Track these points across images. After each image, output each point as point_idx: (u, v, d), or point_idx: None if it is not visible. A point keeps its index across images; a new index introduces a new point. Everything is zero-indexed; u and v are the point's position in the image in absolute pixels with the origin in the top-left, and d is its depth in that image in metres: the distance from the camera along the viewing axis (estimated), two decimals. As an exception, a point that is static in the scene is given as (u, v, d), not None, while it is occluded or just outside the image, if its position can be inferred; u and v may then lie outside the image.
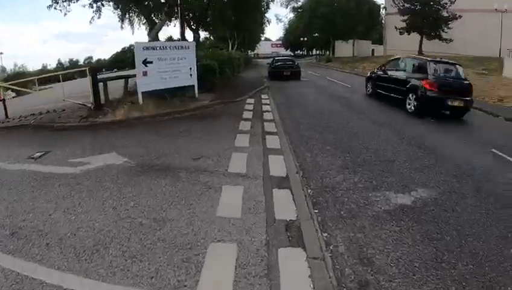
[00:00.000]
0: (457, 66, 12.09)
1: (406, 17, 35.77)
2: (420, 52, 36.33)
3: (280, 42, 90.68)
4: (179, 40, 18.79)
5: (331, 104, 13.63)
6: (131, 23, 24.78)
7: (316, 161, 6.80)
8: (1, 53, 51.56)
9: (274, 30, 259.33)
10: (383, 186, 5.62)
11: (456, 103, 10.96)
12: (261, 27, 48.41)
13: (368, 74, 16.95)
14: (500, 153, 7.70)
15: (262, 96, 15.38)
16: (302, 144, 7.85)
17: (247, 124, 9.55)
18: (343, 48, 54.31)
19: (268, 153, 7.02)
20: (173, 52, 11.48)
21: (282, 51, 78.92)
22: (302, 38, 67.41)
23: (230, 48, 37.29)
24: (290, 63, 24.69)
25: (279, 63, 24.27)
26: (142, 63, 10.76)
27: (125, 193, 5.13)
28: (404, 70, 12.97)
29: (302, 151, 7.32)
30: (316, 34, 58.29)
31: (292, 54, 73.08)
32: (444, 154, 7.43)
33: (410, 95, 11.78)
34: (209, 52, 17.32)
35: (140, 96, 10.93)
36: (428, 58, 12.54)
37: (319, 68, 37.19)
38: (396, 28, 36.84)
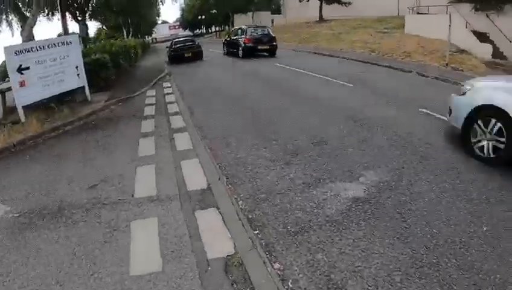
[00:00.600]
0: (266, 28, 22.48)
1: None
2: (321, 17, 37.26)
3: (178, 24, 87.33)
4: (61, 35, 16.38)
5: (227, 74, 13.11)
6: (9, 24, 21.54)
7: (237, 156, 6.01)
8: None
9: (171, 12, 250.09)
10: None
11: (264, 47, 20.61)
12: (155, 9, 45.92)
13: (223, 41, 26.53)
14: (429, 112, 7.80)
15: (165, 84, 14.18)
16: (218, 137, 7.02)
17: (150, 123, 8.56)
18: (242, 21, 52.80)
19: (180, 157, 6.14)
20: (53, 51, 9.77)
21: (181, 32, 75.82)
22: (199, 17, 65.70)
23: (125, 36, 34.83)
24: (190, 43, 23.32)
25: (178, 45, 22.73)
26: (17, 71, 8.96)
27: (6, 265, 3.55)
28: (237, 35, 22.49)
29: (219, 147, 6.48)
30: (214, 11, 57.26)
31: (192, 34, 70.83)
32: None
33: (240, 48, 21.18)
34: (100, 44, 15.56)
35: (21, 112, 9.15)
36: (247, 25, 22.66)
37: (219, 45, 36.52)
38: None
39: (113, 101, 11.10)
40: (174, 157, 6.22)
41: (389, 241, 3.51)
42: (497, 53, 17.02)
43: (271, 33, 21.61)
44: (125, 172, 5.70)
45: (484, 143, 5.29)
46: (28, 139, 8.25)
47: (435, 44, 17.56)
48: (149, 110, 9.88)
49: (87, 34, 16.63)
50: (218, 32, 61.86)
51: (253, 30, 21.50)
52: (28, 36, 12.73)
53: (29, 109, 9.40)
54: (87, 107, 10.41)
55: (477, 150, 5.39)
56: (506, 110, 4.89)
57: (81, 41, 15.72)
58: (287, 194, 4.60)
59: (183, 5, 72.66)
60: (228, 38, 24.90)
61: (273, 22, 54.99)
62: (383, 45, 19.84)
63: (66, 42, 10.30)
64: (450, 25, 14.17)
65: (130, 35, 37.07)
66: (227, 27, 60.48)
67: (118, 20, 35.02)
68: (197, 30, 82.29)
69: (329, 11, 36.74)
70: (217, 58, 23.11)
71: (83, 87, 10.86)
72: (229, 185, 4.97)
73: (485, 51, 16.37)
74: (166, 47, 25.05)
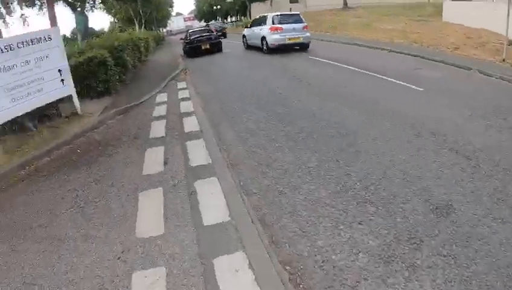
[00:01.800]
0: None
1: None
2: (345, 4, 33.90)
3: (192, 15, 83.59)
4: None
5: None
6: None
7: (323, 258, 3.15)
8: None
9: (185, 4, 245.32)
10: None
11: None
12: (169, 1, 42.91)
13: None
14: None
15: (179, 85, 11.04)
16: (277, 204, 4.02)
17: (158, 155, 5.61)
18: (260, 10, 49.13)
19: (213, 250, 3.24)
20: (26, 51, 6.84)
21: (196, 24, 72.46)
22: (215, 7, 62.51)
23: (137, 28, 31.35)
24: (207, 34, 19.98)
25: (194, 36, 19.28)
26: None
27: None
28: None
29: (285, 231, 3.49)
30: (230, 0, 54.11)
31: (207, 25, 67.78)
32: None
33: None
34: (99, 39, 12.65)
35: None
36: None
37: (239, 36, 33.28)
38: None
39: (110, 113, 8.13)
40: (200, 248, 3.30)
41: None
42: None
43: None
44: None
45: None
46: None
47: (483, 35, 14.74)
48: (157, 129, 6.94)
49: (86, 26, 13.64)
50: (234, 23, 58.30)
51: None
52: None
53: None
54: (74, 124, 7.52)
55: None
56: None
57: (81, 36, 12.97)
58: None
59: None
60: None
61: (290, 10, 50.91)
62: (423, 35, 16.61)
63: (45, 38, 7.28)
64: (508, 14, 10.87)
65: (143, 27, 33.32)
66: (243, 17, 57.19)
67: (129, 11, 31.90)
68: (213, 21, 78.94)
69: (355, -2, 33.53)
70: (238, 51, 19.45)
71: (70, 97, 7.90)
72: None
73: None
74: (181, 39, 22.16)
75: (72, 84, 7.86)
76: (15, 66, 6.67)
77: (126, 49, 12.20)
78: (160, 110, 8.20)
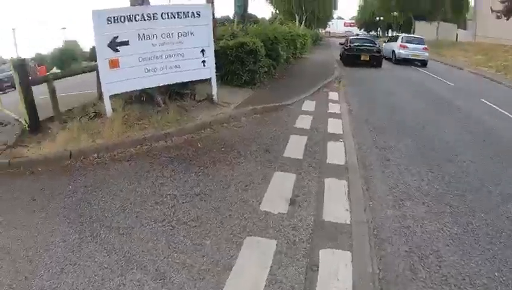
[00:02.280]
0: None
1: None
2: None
3: (353, 22, 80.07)
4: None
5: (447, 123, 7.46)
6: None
7: None
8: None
9: (346, 9, 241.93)
10: None
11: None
12: (334, 2, 40.32)
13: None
14: None
15: (331, 95, 9.17)
16: None
17: (286, 187, 4.00)
18: (425, 31, 42.58)
19: None
20: (169, 23, 6.06)
21: (356, 31, 69.53)
22: (377, 18, 58.79)
23: (297, 23, 28.54)
24: (370, 45, 17.75)
25: (355, 44, 17.36)
26: (109, 46, 5.57)
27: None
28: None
29: None
30: (395, 13, 49.86)
31: (367, 34, 64.34)
32: None
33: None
34: (256, 26, 11.89)
35: (107, 103, 5.77)
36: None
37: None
38: (492, 9, 25.43)
39: (247, 109, 6.85)
40: None
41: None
42: None
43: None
44: None
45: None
46: (96, 150, 4.88)
47: None
48: (295, 146, 5.31)
49: (246, 10, 12.80)
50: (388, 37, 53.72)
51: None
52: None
53: (124, 98, 6.14)
54: (205, 111, 6.48)
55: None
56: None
57: (238, 20, 12.23)
58: None
59: (362, 3, 66.23)
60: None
61: (457, 37, 45.16)
62: None
63: (192, 14, 6.30)
64: None
65: (303, 23, 30.82)
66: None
67: (291, 4, 30.98)
68: (372, 32, 74.99)
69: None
70: (398, 70, 16.82)
71: (208, 80, 6.89)
72: None
73: None
74: (340, 43, 20.37)
75: (214, 68, 6.76)
76: (155, 36, 5.88)
77: (281, 42, 11.04)
78: (304, 122, 6.52)
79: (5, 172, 4.53)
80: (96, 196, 3.81)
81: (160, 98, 6.31)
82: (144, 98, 6.27)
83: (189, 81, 6.70)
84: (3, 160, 4.80)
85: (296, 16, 30.71)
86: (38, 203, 3.69)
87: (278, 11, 35.62)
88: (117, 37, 5.62)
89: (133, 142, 5.23)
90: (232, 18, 14.80)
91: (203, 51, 6.44)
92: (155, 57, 5.96)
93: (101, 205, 3.62)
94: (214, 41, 7.44)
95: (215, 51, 7.24)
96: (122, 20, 5.63)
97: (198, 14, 6.33)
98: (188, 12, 6.21)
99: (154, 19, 5.85)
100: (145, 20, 5.77)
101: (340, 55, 18.41)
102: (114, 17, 5.58)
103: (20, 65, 5.67)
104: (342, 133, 6.14)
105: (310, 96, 8.66)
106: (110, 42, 5.59)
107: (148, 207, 3.57)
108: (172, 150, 5.11)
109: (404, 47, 18.75)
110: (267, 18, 37.15)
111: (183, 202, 3.65)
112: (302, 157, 4.93)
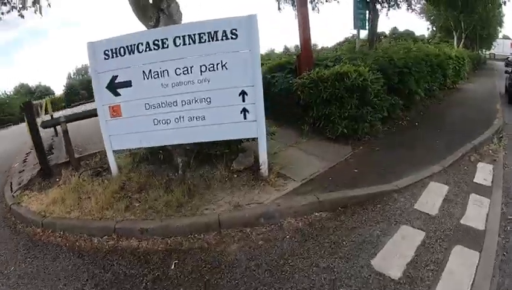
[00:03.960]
0: None
1: None
2: None
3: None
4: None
5: None
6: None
7: None
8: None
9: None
10: None
11: None
12: (498, 16, 24.68)
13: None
14: None
15: (480, 170, 3.66)
16: None
17: None
18: None
19: None
20: (184, 51, 3.05)
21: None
22: None
23: (455, 43, 19.75)
24: None
25: None
26: (108, 88, 3.16)
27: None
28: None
29: None
30: None
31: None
32: None
33: None
34: (388, 45, 7.81)
35: (111, 161, 3.39)
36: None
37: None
38: None
39: (310, 197, 2.97)
40: None
41: None
42: None
43: None
44: None
45: None
46: (58, 224, 3.05)
47: None
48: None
49: (374, 25, 8.27)
50: None
51: None
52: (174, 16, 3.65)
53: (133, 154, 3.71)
54: (237, 193, 3.12)
55: None
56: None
57: (359, 36, 8.24)
58: None
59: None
60: None
61: None
62: None
63: (224, 34, 2.99)
64: None
65: (461, 43, 20.16)
66: None
67: (448, 20, 19.86)
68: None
69: None
70: None
71: (254, 140, 3.37)
72: None
73: None
74: (506, 72, 10.75)
75: (263, 121, 3.19)
76: (165, 73, 3.05)
77: (421, 70, 6.11)
78: (406, 249, 2.36)
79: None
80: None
81: (181, 161, 3.39)
82: (161, 156, 3.52)
83: (217, 143, 3.44)
84: None
85: (455, 34, 20.64)
86: None
87: (434, 28, 25.11)
88: (117, 76, 3.09)
89: (100, 230, 2.84)
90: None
91: (243, 93, 3.09)
92: (167, 103, 3.11)
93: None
94: (311, 67, 4.58)
95: (303, 84, 4.30)
96: (122, 52, 3.05)
97: (235, 35, 2.96)
98: (216, 33, 2.96)
99: (163, 47, 3.01)
100: (151, 50, 3.02)
101: (506, 87, 9.47)
102: (113, 50, 3.07)
103: (27, 107, 3.96)
104: (492, 277, 1.96)
105: (442, 171, 3.57)
106: (109, 83, 3.13)
107: None
108: (132, 262, 2.43)
109: None
110: (426, 36, 28.54)
111: None
112: None
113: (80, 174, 3.57)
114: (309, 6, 9.82)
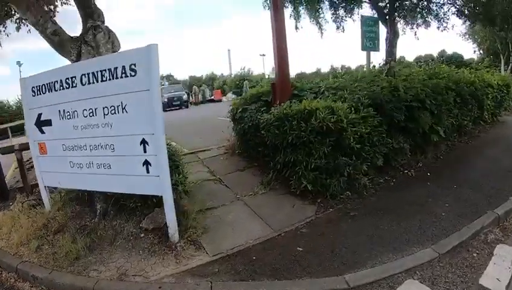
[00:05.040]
0: None
1: None
2: None
3: None
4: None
5: None
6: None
7: None
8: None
9: None
10: None
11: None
12: None
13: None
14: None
15: (493, 264, 2.07)
16: None
17: None
18: None
19: None
20: (89, 91, 2.43)
21: None
22: None
23: (502, 67, 16.01)
24: None
25: None
26: (36, 125, 2.74)
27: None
28: None
29: None
30: None
31: None
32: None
33: None
34: (405, 72, 5.59)
35: (44, 196, 2.95)
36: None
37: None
38: None
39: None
40: None
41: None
42: None
43: None
44: None
45: None
46: None
47: None
48: None
49: (391, 45, 6.49)
50: None
51: None
52: (101, 48, 2.93)
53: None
54: (131, 258, 2.38)
55: None
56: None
57: (369, 61, 6.62)
58: None
59: None
60: None
61: None
62: None
63: (123, 71, 2.24)
64: None
65: (509, 68, 15.73)
66: None
67: (495, 42, 15.87)
68: None
69: None
70: None
71: (160, 200, 2.42)
72: None
73: None
74: None
75: (168, 175, 2.35)
76: (75, 114, 2.50)
77: (434, 100, 4.22)
78: None
79: None
80: None
81: (100, 207, 2.81)
82: (87, 199, 2.97)
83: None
84: None
85: (502, 58, 16.39)
86: None
87: (481, 52, 19.89)
88: (41, 114, 2.66)
89: (7, 266, 2.52)
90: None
91: (144, 142, 2.34)
92: (78, 146, 2.56)
93: None
94: (286, 99, 3.42)
95: (268, 122, 3.24)
96: (44, 90, 2.60)
97: (133, 71, 2.25)
98: (116, 70, 2.30)
99: (73, 86, 2.48)
100: (63, 88, 2.53)
101: None
102: (38, 87, 2.64)
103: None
104: None
105: (435, 260, 2.14)
106: (36, 120, 2.72)
107: None
108: None
109: None
110: (475, 59, 23.48)
111: None
112: None
113: (23, 203, 3.30)
114: (323, 23, 7.68)
